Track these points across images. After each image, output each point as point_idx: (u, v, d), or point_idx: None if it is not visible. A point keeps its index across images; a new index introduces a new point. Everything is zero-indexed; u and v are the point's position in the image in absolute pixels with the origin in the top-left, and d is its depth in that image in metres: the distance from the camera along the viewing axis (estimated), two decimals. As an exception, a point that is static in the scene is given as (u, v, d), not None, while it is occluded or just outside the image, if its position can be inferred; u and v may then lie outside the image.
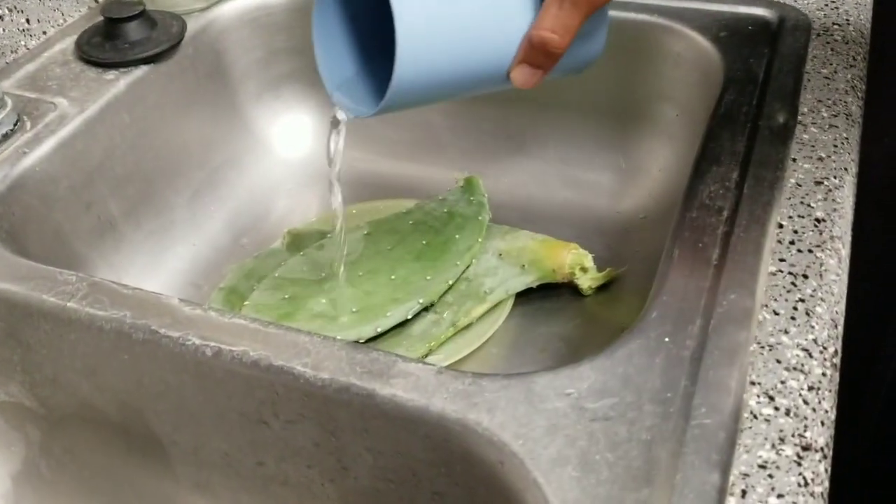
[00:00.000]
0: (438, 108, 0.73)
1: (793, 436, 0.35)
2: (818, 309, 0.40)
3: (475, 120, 0.72)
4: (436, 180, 0.70)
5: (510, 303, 0.59)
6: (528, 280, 0.60)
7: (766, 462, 0.34)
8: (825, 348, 0.38)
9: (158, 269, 0.64)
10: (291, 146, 0.75)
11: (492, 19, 0.42)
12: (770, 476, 0.33)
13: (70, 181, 0.58)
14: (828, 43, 0.59)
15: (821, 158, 0.49)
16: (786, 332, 0.39)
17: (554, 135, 0.70)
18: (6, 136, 0.56)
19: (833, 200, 0.47)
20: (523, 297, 0.60)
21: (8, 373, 0.49)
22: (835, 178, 0.48)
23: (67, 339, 0.45)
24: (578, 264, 0.59)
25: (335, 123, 0.49)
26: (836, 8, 0.62)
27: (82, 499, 0.51)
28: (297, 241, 0.66)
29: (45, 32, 0.67)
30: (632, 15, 0.63)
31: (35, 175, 0.56)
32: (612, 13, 0.61)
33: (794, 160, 0.49)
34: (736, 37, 0.60)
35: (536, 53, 0.42)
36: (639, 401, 0.36)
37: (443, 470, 0.39)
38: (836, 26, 0.60)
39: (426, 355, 0.55)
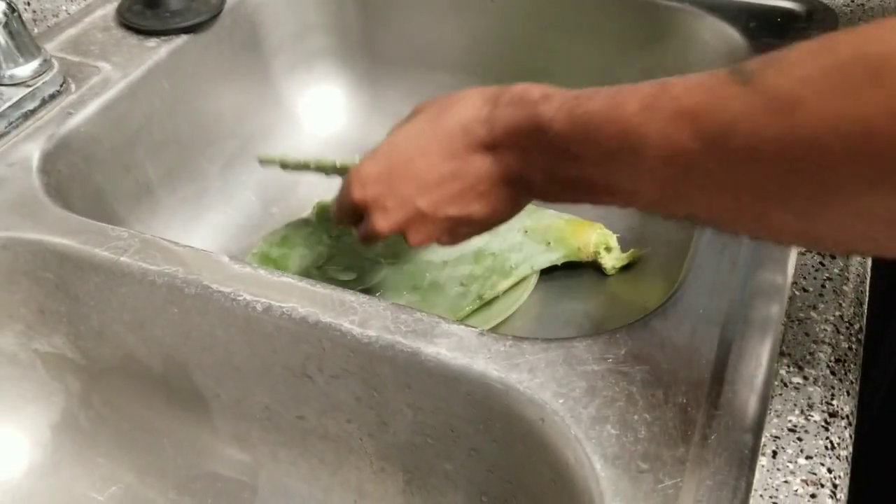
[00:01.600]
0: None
1: (821, 403, 0.37)
2: (845, 288, 0.42)
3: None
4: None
5: (535, 279, 0.61)
6: (553, 257, 0.61)
7: (795, 426, 0.36)
8: (851, 324, 0.40)
9: (192, 234, 0.66)
10: (321, 120, 0.77)
11: None
12: (799, 439, 0.35)
13: (111, 143, 0.60)
14: (854, 38, 0.60)
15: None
16: (814, 307, 0.41)
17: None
18: (53, 97, 0.58)
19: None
20: (547, 273, 0.61)
21: (53, 324, 0.51)
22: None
23: (118, 292, 0.47)
24: (603, 244, 0.61)
25: None
26: (862, 4, 0.64)
27: (120, 450, 0.53)
28: (325, 212, 0.68)
29: (85, -2, 0.69)
30: (662, 1, 0.64)
31: (80, 135, 0.57)
32: None
33: (822, 148, 0.50)
34: (764, 27, 0.61)
35: None
36: (674, 367, 0.38)
37: (481, 427, 0.41)
38: (861, 21, 0.62)
39: (455, 325, 0.57)
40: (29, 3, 0.64)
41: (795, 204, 0.28)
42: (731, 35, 0.62)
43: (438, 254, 0.61)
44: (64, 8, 0.67)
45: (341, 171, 0.54)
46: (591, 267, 0.61)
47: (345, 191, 0.47)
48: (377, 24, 0.76)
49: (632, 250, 0.61)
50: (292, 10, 0.74)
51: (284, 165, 0.59)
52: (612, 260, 0.61)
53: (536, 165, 0.39)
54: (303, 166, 0.57)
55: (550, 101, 0.38)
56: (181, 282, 0.44)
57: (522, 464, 0.40)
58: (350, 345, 0.42)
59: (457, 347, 0.40)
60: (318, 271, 0.61)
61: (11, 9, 0.55)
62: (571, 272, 0.61)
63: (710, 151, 0.30)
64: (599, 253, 0.61)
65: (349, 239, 0.63)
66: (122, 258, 0.46)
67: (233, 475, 0.49)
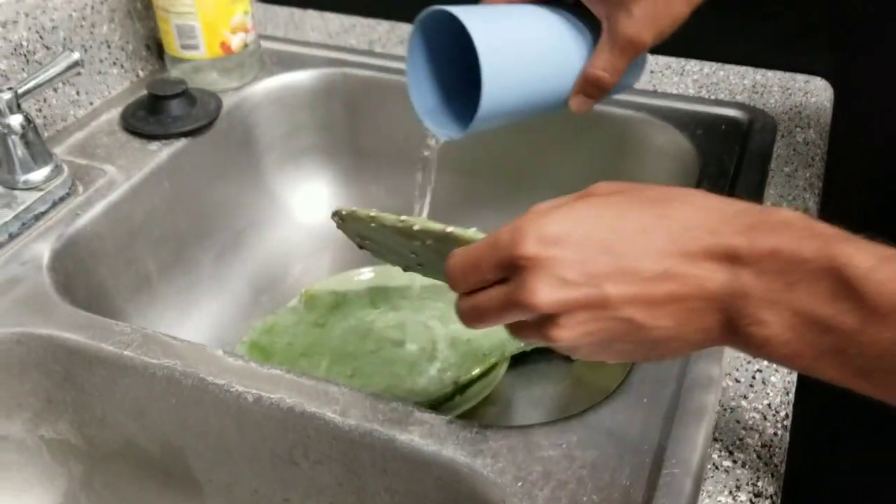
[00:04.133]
0: (457, 184, 0.80)
1: (747, 484, 0.41)
2: (773, 378, 0.47)
3: (487, 198, 0.79)
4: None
5: (506, 364, 0.66)
6: (523, 344, 0.66)
7: (725, 506, 0.40)
8: (777, 412, 0.45)
9: (186, 323, 0.70)
10: (309, 212, 0.82)
11: (555, 59, 0.53)
12: (728, 518, 0.40)
13: (115, 240, 0.65)
14: (790, 144, 0.67)
15: (780, 247, 0.56)
16: (745, 397, 0.46)
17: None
18: (62, 199, 0.63)
19: (790, 284, 0.54)
20: (518, 358, 0.66)
21: (59, 412, 0.55)
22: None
23: (121, 383, 0.51)
24: (568, 331, 0.66)
25: (428, 148, 0.60)
26: (800, 112, 0.71)
27: (118, 529, 0.56)
28: (312, 301, 0.73)
29: (91, 103, 0.75)
30: (621, 110, 0.71)
31: (86, 234, 0.62)
32: (604, 108, 0.70)
33: (758, 248, 0.56)
34: (711, 134, 0.68)
35: (590, 87, 0.53)
36: (620, 452, 0.43)
37: (451, 508, 0.45)
38: (798, 129, 0.69)
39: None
40: (41, 110, 0.69)
41: None
42: (681, 141, 0.68)
43: (418, 341, 0.66)
44: (72, 112, 0.73)
45: (450, 240, 0.42)
46: (557, 353, 0.66)
47: (501, 241, 0.36)
48: (361, 125, 0.82)
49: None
50: (283, 112, 0.80)
51: (365, 221, 0.47)
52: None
53: (792, 310, 0.32)
54: (393, 227, 0.45)
55: (856, 244, 0.32)
56: (179, 374, 0.49)
57: (487, 541, 0.44)
58: (332, 432, 0.46)
59: (428, 434, 0.45)
60: (304, 359, 0.65)
61: (28, 120, 0.61)
62: (539, 358, 0.66)
63: None
64: (565, 339, 0.66)
65: (334, 329, 0.68)
66: (125, 352, 0.51)
67: (224, 553, 0.53)
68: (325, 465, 0.48)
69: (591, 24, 0.54)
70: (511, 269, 0.35)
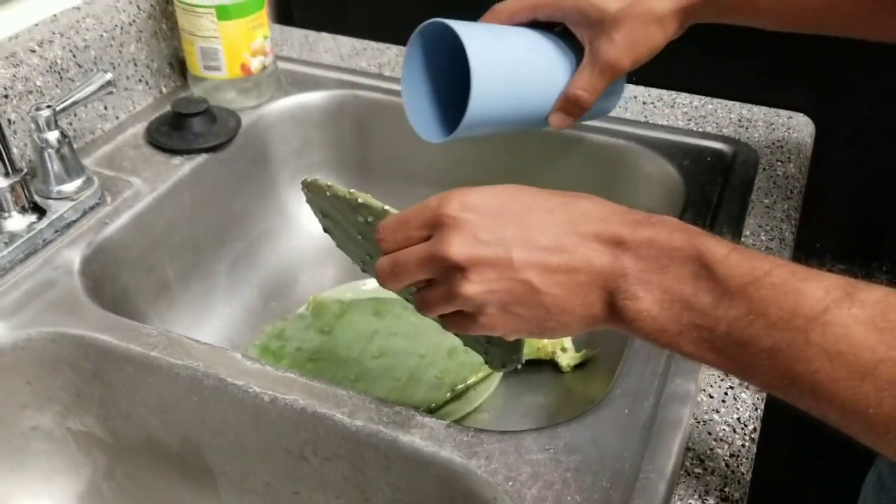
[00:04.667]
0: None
1: (715, 490, 0.46)
2: (743, 395, 0.52)
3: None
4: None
5: (500, 374, 0.70)
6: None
7: (693, 508, 0.45)
8: (746, 426, 0.50)
9: (201, 326, 0.75)
10: (317, 224, 0.86)
11: (540, 77, 0.59)
12: (696, 518, 0.45)
13: (139, 247, 0.69)
14: (771, 177, 0.72)
15: (756, 274, 0.61)
16: (717, 411, 0.51)
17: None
18: (92, 208, 0.68)
19: (764, 309, 0.59)
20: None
21: (87, 407, 0.59)
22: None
23: (146, 381, 0.56)
24: (559, 344, 0.70)
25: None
26: (781, 147, 0.76)
27: (137, 516, 0.61)
28: (319, 308, 0.77)
29: (117, 117, 0.79)
30: (614, 140, 0.76)
31: (113, 241, 0.67)
32: (600, 138, 0.75)
33: (735, 274, 0.61)
34: (697, 165, 0.73)
35: (570, 104, 0.59)
36: (602, 458, 0.48)
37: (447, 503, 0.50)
38: (779, 163, 0.74)
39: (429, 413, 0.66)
40: (71, 123, 0.74)
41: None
42: (669, 170, 0.73)
43: (417, 349, 0.70)
44: (99, 126, 0.77)
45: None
46: (549, 364, 0.71)
47: (430, 203, 0.42)
48: (369, 143, 0.87)
49: (584, 350, 0.71)
50: (297, 129, 0.85)
51: (323, 190, 0.51)
52: (567, 359, 0.70)
53: (662, 288, 0.38)
54: (343, 198, 0.49)
55: (715, 238, 0.38)
56: (201, 375, 0.54)
57: (479, 535, 0.49)
58: (341, 432, 0.51)
59: (428, 437, 0.49)
60: (311, 363, 0.70)
61: (64, 136, 0.65)
62: (532, 369, 0.71)
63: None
64: (556, 352, 0.70)
65: (340, 336, 0.72)
66: (152, 353, 0.55)
67: (236, 540, 0.58)
68: (333, 461, 0.52)
69: (575, 49, 0.59)
70: (434, 227, 0.41)
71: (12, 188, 0.61)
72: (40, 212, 0.64)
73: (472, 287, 0.40)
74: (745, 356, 0.36)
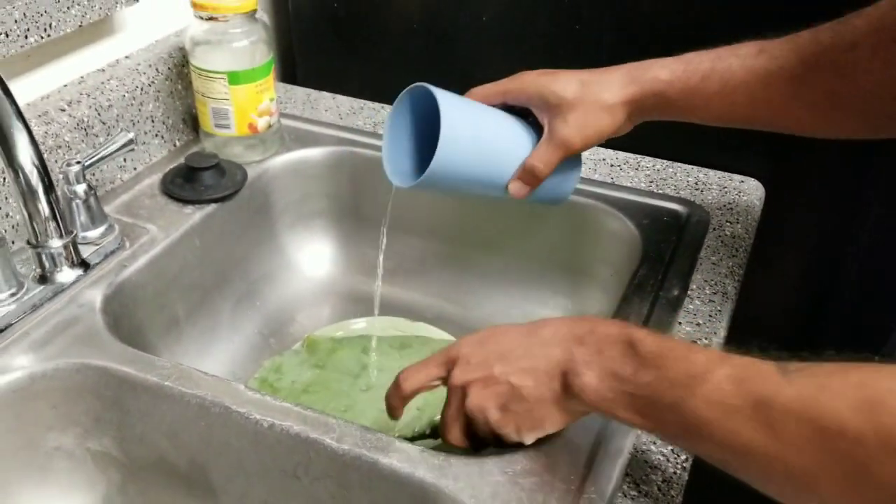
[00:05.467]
0: (431, 248, 0.94)
1: (648, 510, 0.54)
2: (679, 429, 0.60)
3: (460, 261, 0.93)
4: (420, 304, 0.91)
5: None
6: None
7: (628, 525, 0.53)
8: (678, 455, 0.58)
9: (206, 359, 0.83)
10: (314, 268, 0.95)
11: (503, 147, 0.68)
12: (629, 533, 0.52)
13: (153, 288, 0.78)
14: (720, 236, 0.80)
15: (698, 324, 0.70)
16: (654, 443, 0.59)
17: (519, 280, 0.91)
18: (113, 252, 0.76)
19: (704, 354, 0.67)
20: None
21: (105, 430, 0.67)
22: (705, 339, 0.68)
23: (160, 408, 0.64)
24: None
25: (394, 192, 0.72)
26: (731, 209, 0.84)
27: (145, 529, 0.68)
28: (313, 345, 0.85)
29: (135, 168, 0.88)
30: (582, 199, 0.84)
31: (130, 283, 0.75)
32: (571, 197, 0.83)
33: (680, 324, 0.69)
34: (655, 224, 0.81)
35: (527, 174, 0.68)
36: (553, 480, 0.55)
37: (419, 519, 0.57)
38: (728, 223, 0.82)
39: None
40: (94, 174, 0.83)
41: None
42: (630, 228, 0.81)
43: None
44: (119, 176, 0.86)
45: None
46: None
47: (451, 348, 0.59)
48: (363, 195, 0.95)
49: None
50: (297, 182, 0.93)
51: None
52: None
53: (600, 366, 0.50)
54: None
55: (639, 327, 0.51)
56: (209, 403, 0.61)
57: (447, 547, 0.56)
58: (329, 455, 0.58)
59: (405, 460, 0.57)
60: (305, 395, 0.78)
61: (90, 188, 0.74)
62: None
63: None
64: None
65: (332, 371, 0.80)
66: (165, 383, 0.63)
67: (234, 551, 0.65)
68: (322, 480, 0.60)
69: (537, 132, 0.68)
70: (451, 363, 0.58)
71: (65, 247, 0.70)
72: (86, 266, 0.72)
73: (472, 399, 0.55)
74: (657, 412, 0.47)
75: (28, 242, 0.69)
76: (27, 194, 0.65)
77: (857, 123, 0.62)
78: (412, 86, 0.67)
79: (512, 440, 0.56)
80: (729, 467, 0.44)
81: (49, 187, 0.66)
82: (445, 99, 0.64)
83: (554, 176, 0.68)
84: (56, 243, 0.69)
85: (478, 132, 0.66)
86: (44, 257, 0.69)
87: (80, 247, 0.74)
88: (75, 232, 0.71)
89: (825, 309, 0.97)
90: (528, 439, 0.56)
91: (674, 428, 0.46)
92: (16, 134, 0.61)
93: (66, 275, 0.71)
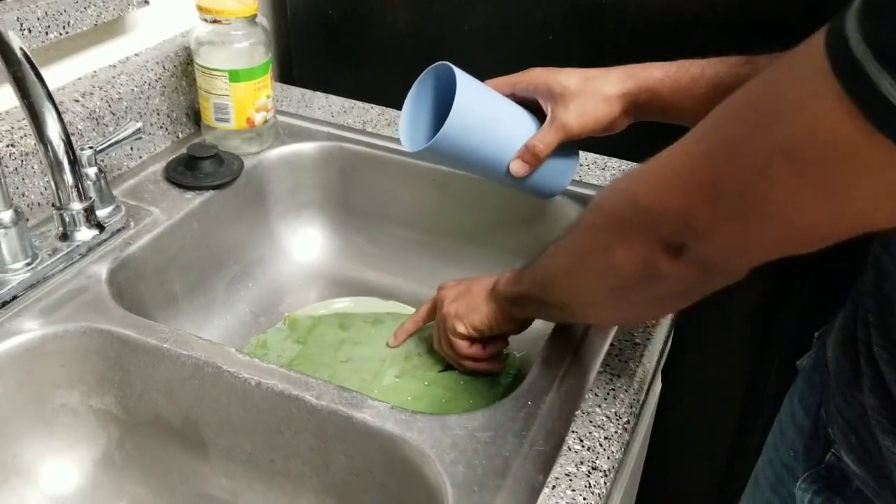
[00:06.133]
0: (413, 238, 1.01)
1: (589, 462, 0.61)
2: (621, 395, 0.67)
3: (439, 250, 1.00)
4: (400, 288, 0.98)
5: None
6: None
7: (570, 473, 0.60)
8: (620, 417, 0.65)
9: (200, 333, 0.89)
10: (303, 253, 1.02)
11: (508, 126, 0.76)
12: (570, 480, 0.59)
13: (154, 265, 0.85)
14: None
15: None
16: (599, 406, 0.66)
17: (493, 267, 0.97)
18: (118, 231, 0.83)
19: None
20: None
21: (107, 388, 0.74)
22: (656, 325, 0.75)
23: (158, 368, 0.70)
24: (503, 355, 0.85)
25: None
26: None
27: (143, 480, 0.75)
28: (294, 323, 0.92)
29: (140, 157, 0.95)
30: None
31: (134, 258, 0.82)
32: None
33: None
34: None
35: (528, 153, 0.76)
36: (506, 434, 0.62)
37: (388, 468, 0.64)
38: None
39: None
40: (103, 160, 0.90)
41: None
42: (594, 221, 0.88)
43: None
44: (125, 164, 0.93)
45: None
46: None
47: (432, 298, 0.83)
48: (351, 187, 1.02)
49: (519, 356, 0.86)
50: (290, 173, 1.01)
51: None
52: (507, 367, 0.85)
53: (506, 279, 0.72)
54: None
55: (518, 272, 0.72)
56: (203, 363, 0.68)
57: (410, 490, 0.63)
58: (309, 410, 0.65)
59: (376, 415, 0.64)
60: (291, 367, 0.84)
61: (101, 171, 0.81)
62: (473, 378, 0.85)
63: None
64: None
65: (313, 345, 0.87)
66: (164, 345, 0.70)
67: (221, 497, 0.72)
68: (302, 434, 0.67)
69: (540, 119, 0.76)
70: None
71: (84, 210, 0.79)
72: (101, 228, 0.80)
73: (448, 307, 0.77)
74: (531, 305, 0.69)
75: (53, 205, 0.78)
76: (54, 165, 0.73)
77: None
78: (436, 63, 0.75)
79: (461, 332, 0.75)
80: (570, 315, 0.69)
81: (73, 160, 0.74)
82: (463, 75, 0.72)
83: (552, 166, 0.76)
84: (77, 206, 0.78)
85: (487, 110, 0.74)
86: (66, 217, 0.78)
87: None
88: (93, 198, 0.79)
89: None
90: (473, 327, 0.75)
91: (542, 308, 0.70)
92: (46, 113, 0.70)
93: (83, 234, 0.79)
